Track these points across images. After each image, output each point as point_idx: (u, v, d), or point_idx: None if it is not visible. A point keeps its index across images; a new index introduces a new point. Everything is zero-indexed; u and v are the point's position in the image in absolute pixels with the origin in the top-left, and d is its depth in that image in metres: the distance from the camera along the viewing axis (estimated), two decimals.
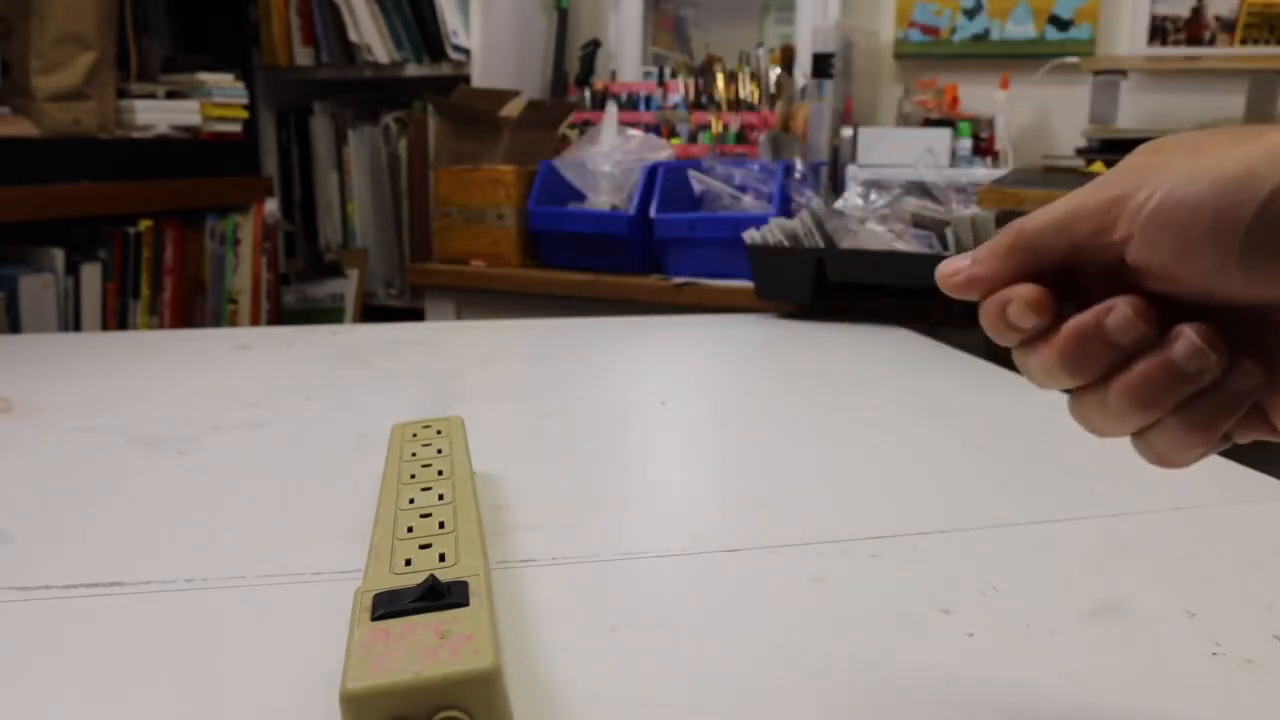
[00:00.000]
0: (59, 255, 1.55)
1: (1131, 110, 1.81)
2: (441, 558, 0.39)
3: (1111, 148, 1.68)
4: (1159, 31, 1.83)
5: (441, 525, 0.42)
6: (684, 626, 0.42)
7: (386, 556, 0.39)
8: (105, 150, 1.62)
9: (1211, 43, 1.81)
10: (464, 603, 0.34)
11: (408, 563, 0.38)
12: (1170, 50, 1.83)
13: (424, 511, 0.44)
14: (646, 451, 0.66)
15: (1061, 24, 1.88)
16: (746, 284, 1.39)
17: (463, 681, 0.30)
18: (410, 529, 0.42)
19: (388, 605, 0.34)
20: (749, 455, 0.62)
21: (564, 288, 1.62)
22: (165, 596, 0.44)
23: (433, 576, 0.35)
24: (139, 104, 1.68)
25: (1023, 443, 0.67)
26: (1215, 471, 0.60)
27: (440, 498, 0.45)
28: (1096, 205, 0.32)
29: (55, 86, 1.53)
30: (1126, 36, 1.86)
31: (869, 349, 1.00)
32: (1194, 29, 1.82)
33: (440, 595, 0.34)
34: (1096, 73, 1.75)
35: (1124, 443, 0.32)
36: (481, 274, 1.73)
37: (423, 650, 0.31)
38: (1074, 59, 1.79)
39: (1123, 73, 1.76)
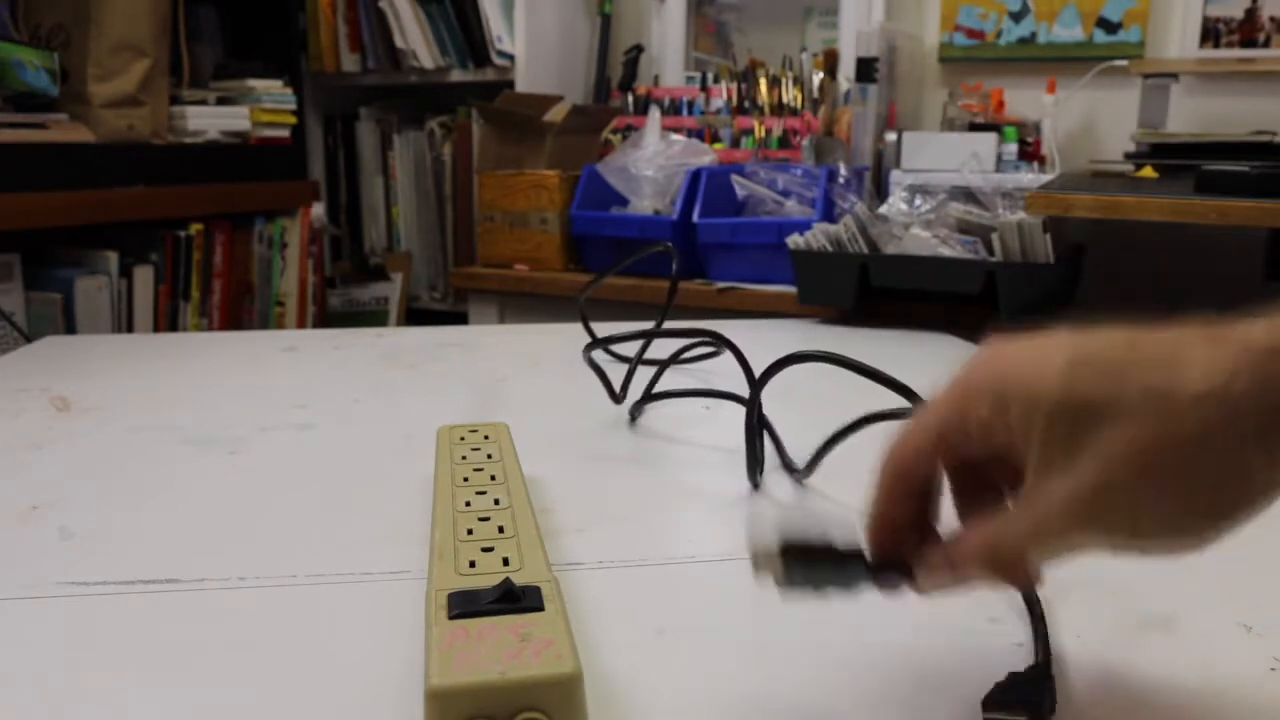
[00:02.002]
0: (113, 258, 1.58)
1: (1182, 114, 1.78)
2: (505, 562, 0.39)
3: (1161, 152, 1.65)
4: (1211, 33, 1.80)
5: (501, 530, 0.42)
6: (731, 630, 0.42)
7: (450, 558, 0.40)
8: (158, 155, 1.65)
9: (1266, 44, 1.78)
10: (539, 607, 0.35)
11: (472, 564, 0.39)
12: (1223, 52, 1.80)
13: (482, 515, 0.44)
14: (689, 455, 0.66)
15: (1110, 26, 1.85)
16: (789, 289, 1.38)
17: (546, 684, 0.31)
18: (470, 531, 0.42)
19: (464, 605, 0.35)
20: (792, 459, 0.62)
21: (606, 292, 1.63)
22: (220, 594, 0.45)
23: (508, 579, 0.36)
24: (191, 110, 1.72)
25: None
26: None
27: (496, 502, 0.46)
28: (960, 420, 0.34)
29: (111, 93, 1.57)
30: (1177, 39, 1.83)
31: (912, 355, 0.99)
32: (1248, 30, 1.78)
33: (516, 599, 0.35)
34: (1146, 76, 1.72)
35: None
36: (524, 278, 1.74)
37: (505, 651, 0.32)
38: (1123, 62, 1.77)
39: (1173, 76, 1.73)
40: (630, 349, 0.80)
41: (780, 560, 0.35)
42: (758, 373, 0.57)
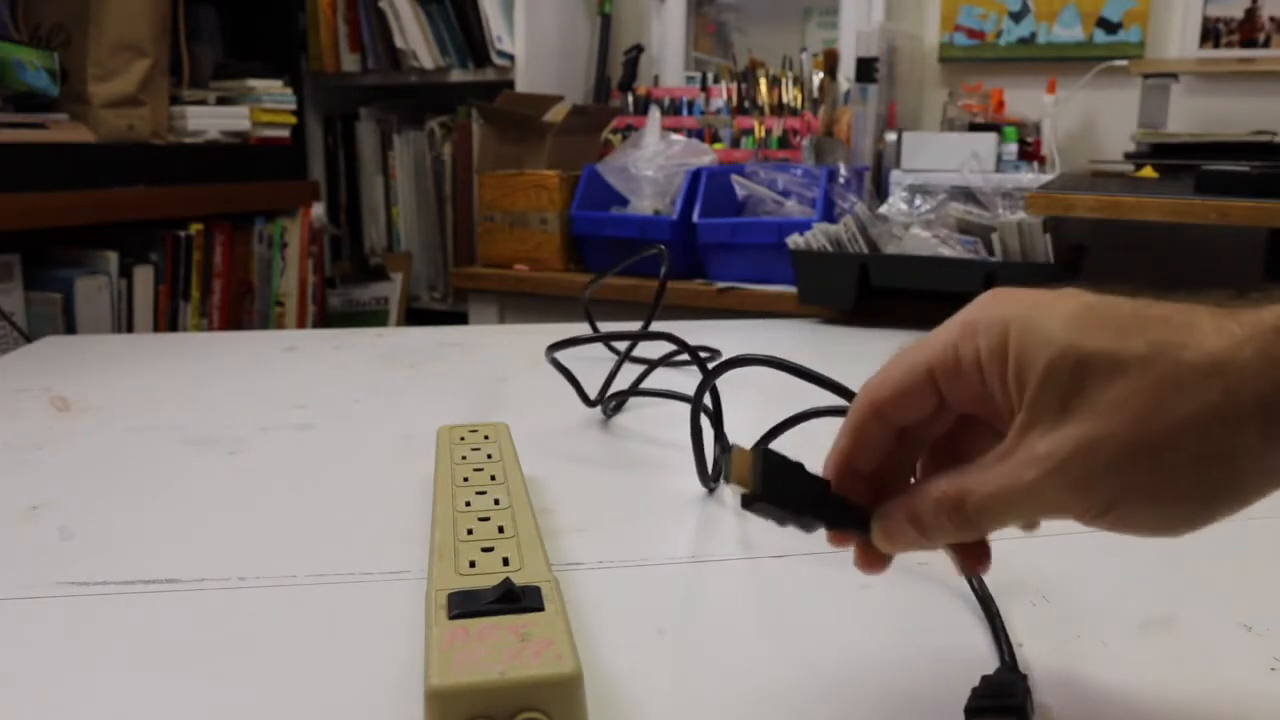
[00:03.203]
0: (113, 258, 1.58)
1: (1182, 114, 1.78)
2: (505, 562, 0.39)
3: (1161, 152, 1.65)
4: (1211, 33, 1.80)
5: (501, 530, 0.43)
6: (731, 631, 0.42)
7: (450, 558, 0.40)
8: (158, 155, 1.65)
9: (1266, 44, 1.78)
10: (539, 607, 0.35)
11: (472, 564, 0.39)
12: (1223, 52, 1.80)
13: (482, 515, 0.44)
14: (689, 456, 0.67)
15: (1110, 26, 1.85)
16: (789, 289, 1.38)
17: (546, 684, 0.31)
18: (470, 531, 0.42)
19: (464, 605, 0.35)
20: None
21: (606, 292, 1.63)
22: (220, 594, 0.45)
23: (508, 579, 0.36)
24: (190, 110, 1.72)
25: None
26: None
27: (496, 502, 0.46)
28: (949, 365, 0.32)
29: (111, 93, 1.57)
30: (1177, 39, 1.83)
31: None
32: (1248, 30, 1.78)
33: (516, 599, 0.35)
34: (1146, 76, 1.72)
35: None
36: (524, 278, 1.74)
37: (505, 651, 0.32)
38: (1123, 62, 1.77)
39: (1173, 76, 1.73)
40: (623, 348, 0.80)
41: (757, 464, 0.33)
42: (712, 368, 0.56)
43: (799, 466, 0.35)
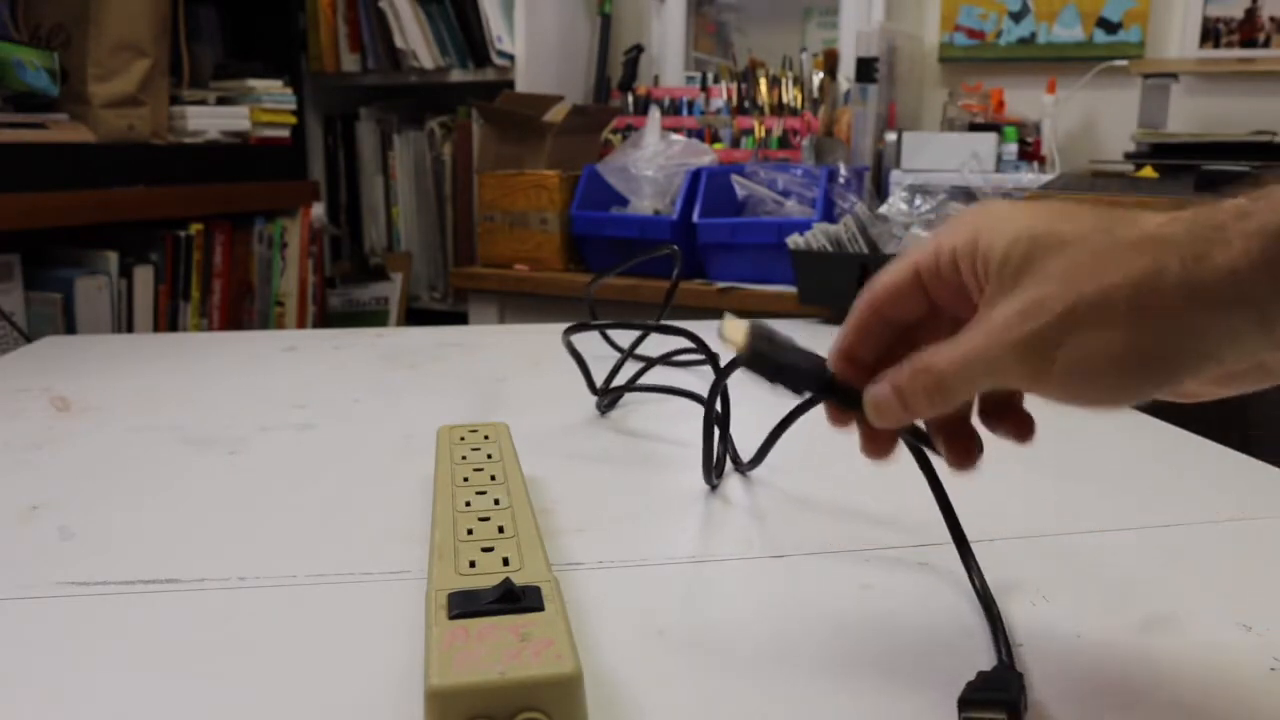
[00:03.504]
0: (113, 258, 1.58)
1: (1182, 114, 1.78)
2: (505, 562, 0.39)
3: (1161, 152, 1.65)
4: (1211, 33, 1.80)
5: (501, 530, 0.42)
6: (732, 631, 0.42)
7: (450, 557, 0.40)
8: (158, 155, 1.65)
9: (1266, 44, 1.78)
10: (539, 607, 0.35)
11: (472, 564, 0.39)
12: (1223, 52, 1.80)
13: (482, 515, 0.44)
14: (690, 455, 0.66)
15: (1110, 27, 1.85)
16: (789, 289, 1.38)
17: (546, 684, 0.31)
18: (470, 531, 0.42)
19: (464, 605, 0.35)
20: (792, 461, 0.62)
21: (607, 291, 1.63)
22: (220, 594, 0.45)
23: (508, 579, 0.36)
24: (190, 110, 1.72)
25: (1068, 452, 0.66)
26: (1270, 482, 0.59)
27: (496, 502, 0.46)
28: (937, 264, 0.35)
29: (111, 93, 1.57)
30: (1177, 39, 1.83)
31: None
32: (1248, 30, 1.79)
33: (516, 599, 0.35)
34: (1146, 76, 1.72)
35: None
36: (524, 278, 1.74)
37: (505, 651, 0.32)
38: (1123, 62, 1.77)
39: (1173, 76, 1.73)
40: (626, 345, 0.80)
41: (748, 335, 0.36)
42: (723, 368, 0.56)
43: (790, 339, 0.38)
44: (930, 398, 0.35)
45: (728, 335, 0.37)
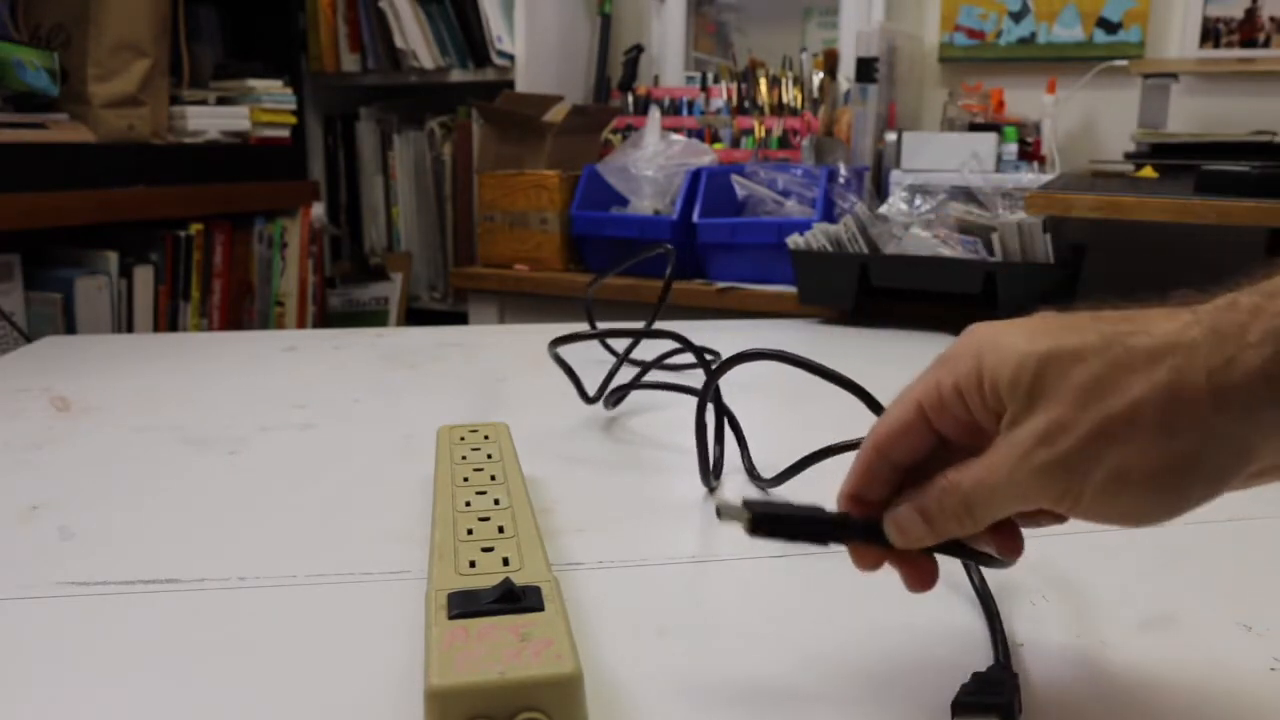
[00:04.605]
0: (113, 258, 1.58)
1: (1182, 114, 1.78)
2: (505, 562, 0.39)
3: (1161, 152, 1.65)
4: (1211, 33, 1.80)
5: (501, 530, 0.43)
6: (731, 630, 0.42)
7: (450, 557, 0.40)
8: (158, 155, 1.65)
9: (1266, 44, 1.78)
10: (539, 607, 0.35)
11: (472, 564, 0.39)
12: (1223, 52, 1.80)
13: (482, 515, 0.44)
14: (690, 456, 0.67)
15: (1110, 26, 1.85)
16: (789, 289, 1.38)
17: (546, 684, 0.31)
18: (470, 531, 0.42)
19: (464, 605, 0.35)
20: (792, 461, 0.62)
21: (606, 292, 1.63)
22: (220, 594, 0.45)
23: (508, 579, 0.36)
24: (190, 110, 1.71)
25: None
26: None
27: (496, 502, 0.46)
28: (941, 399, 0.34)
29: (111, 93, 1.57)
30: (1177, 39, 1.83)
31: (912, 355, 0.99)
32: (1248, 30, 1.78)
33: (516, 599, 0.35)
34: (1146, 76, 1.72)
35: None
36: (524, 278, 1.74)
37: (505, 651, 0.32)
38: (1123, 62, 1.77)
39: (1173, 76, 1.73)
40: (623, 348, 0.80)
41: (749, 512, 0.36)
42: (720, 362, 0.56)
43: (786, 504, 0.37)
44: (959, 519, 0.34)
45: (727, 517, 0.36)
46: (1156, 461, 0.29)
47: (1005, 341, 0.32)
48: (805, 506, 0.37)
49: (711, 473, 0.58)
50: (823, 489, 0.58)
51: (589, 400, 0.73)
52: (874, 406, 0.48)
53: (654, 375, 0.77)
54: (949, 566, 0.47)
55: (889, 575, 0.37)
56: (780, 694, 0.37)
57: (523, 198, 1.74)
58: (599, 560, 0.48)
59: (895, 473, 0.36)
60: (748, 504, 0.36)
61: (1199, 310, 0.30)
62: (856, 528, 0.36)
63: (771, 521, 0.36)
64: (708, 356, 0.70)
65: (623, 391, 0.74)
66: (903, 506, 0.35)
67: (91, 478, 0.61)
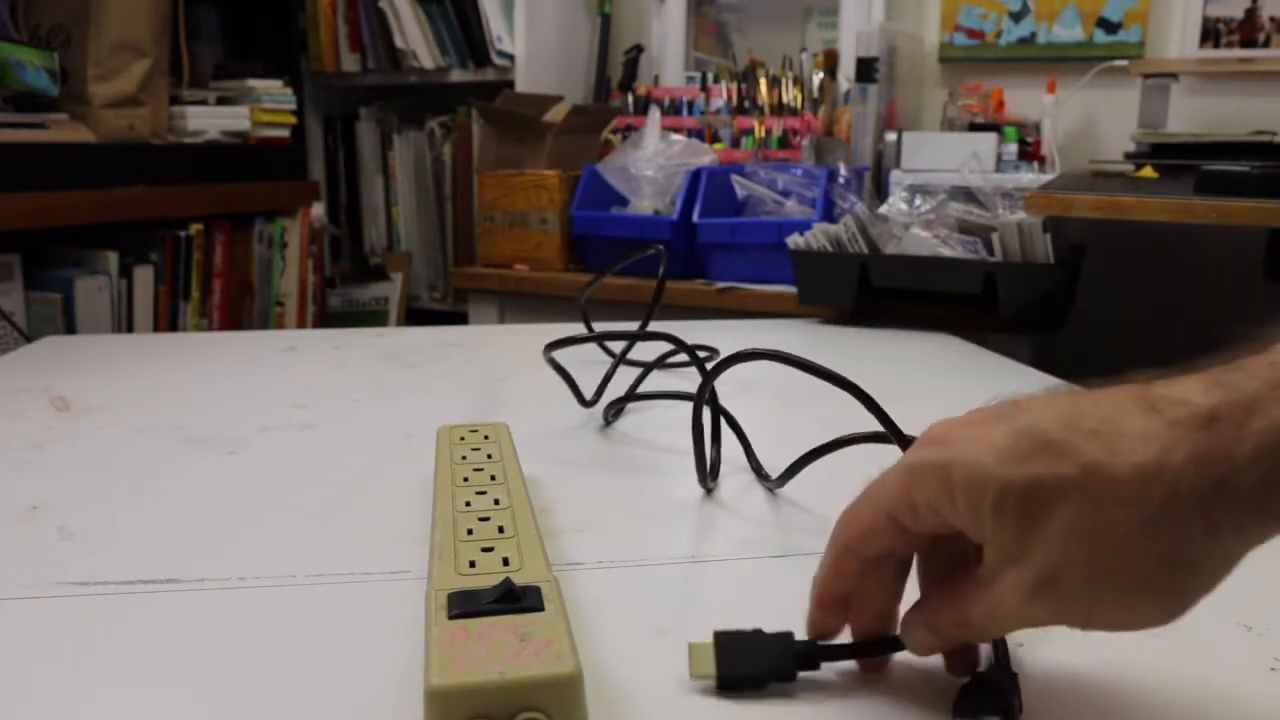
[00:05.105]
0: (113, 258, 1.58)
1: (1182, 114, 1.78)
2: (505, 562, 0.39)
3: (1161, 152, 1.65)
4: (1211, 33, 1.80)
5: (501, 530, 0.43)
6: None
7: (450, 557, 0.40)
8: (158, 155, 1.65)
9: (1266, 44, 1.78)
10: (539, 607, 0.35)
11: (472, 564, 0.39)
12: (1223, 52, 1.80)
13: (482, 515, 0.44)
14: (688, 458, 0.67)
15: (1110, 27, 1.85)
16: (789, 289, 1.38)
17: (546, 684, 0.31)
18: (470, 531, 0.42)
19: (464, 605, 0.35)
20: (789, 463, 0.62)
21: (606, 292, 1.63)
22: (220, 594, 0.45)
23: (508, 579, 0.36)
24: (190, 110, 1.72)
25: None
26: None
27: (496, 502, 0.46)
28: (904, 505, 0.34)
29: (111, 93, 1.57)
30: (1177, 39, 1.83)
31: (913, 355, 0.99)
32: (1248, 30, 1.78)
33: (516, 599, 0.35)
34: (1146, 76, 1.72)
35: None
36: (524, 278, 1.74)
37: (505, 651, 0.32)
38: (1123, 62, 1.77)
39: (1173, 76, 1.73)
40: (623, 350, 0.80)
41: (714, 651, 0.36)
42: (716, 363, 0.55)
43: (756, 632, 0.37)
44: (969, 639, 0.35)
45: (696, 673, 0.37)
46: (1155, 584, 0.30)
47: (977, 464, 0.31)
48: (773, 640, 0.37)
49: (709, 474, 0.58)
50: (823, 488, 0.58)
51: (587, 405, 0.73)
52: (872, 407, 0.48)
53: (653, 378, 0.77)
54: None
55: None
56: (780, 693, 0.37)
57: (523, 198, 1.74)
58: (599, 560, 0.48)
59: (864, 566, 0.36)
60: (718, 648, 0.37)
61: (1173, 419, 0.29)
62: (824, 654, 0.37)
63: (737, 681, 0.37)
64: (702, 354, 0.70)
65: (619, 404, 0.73)
66: (917, 629, 0.35)
67: (91, 478, 0.61)
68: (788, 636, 0.38)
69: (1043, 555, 0.30)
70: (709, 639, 0.37)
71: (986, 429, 0.32)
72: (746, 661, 0.37)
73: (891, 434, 0.47)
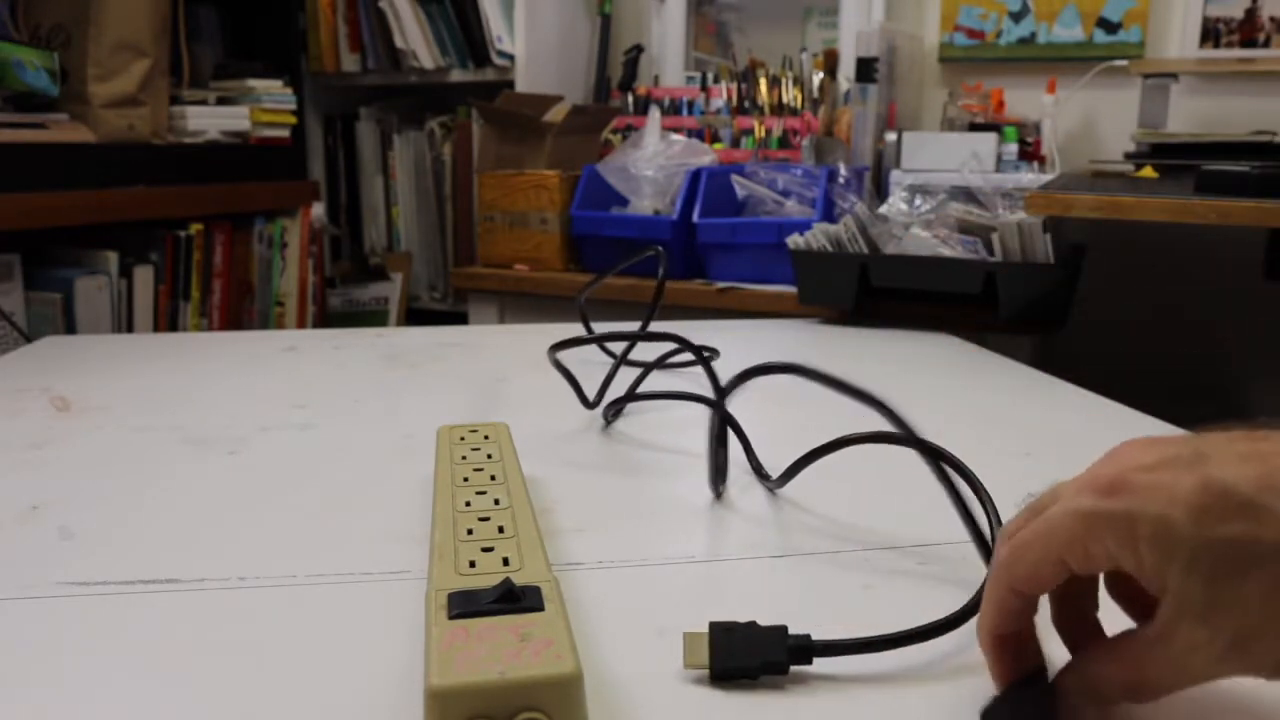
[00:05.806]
0: (113, 258, 1.58)
1: (1182, 114, 1.78)
2: (505, 561, 0.39)
3: (1161, 152, 1.65)
4: (1211, 33, 1.80)
5: (501, 530, 0.43)
6: None
7: (450, 557, 0.40)
8: (158, 155, 1.65)
9: (1266, 44, 1.78)
10: (539, 607, 0.35)
11: (472, 564, 0.39)
12: (1223, 52, 1.80)
13: (482, 515, 0.44)
14: (689, 456, 0.66)
15: (1110, 26, 1.85)
16: (789, 289, 1.38)
17: (546, 684, 0.31)
18: (470, 531, 0.42)
19: (464, 605, 0.35)
20: (793, 459, 0.62)
21: (606, 292, 1.63)
22: (220, 594, 0.45)
23: (508, 579, 0.36)
24: (190, 110, 1.72)
25: (1070, 450, 0.66)
26: None
27: (496, 502, 0.46)
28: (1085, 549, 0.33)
29: (111, 93, 1.57)
30: (1177, 39, 1.83)
31: (913, 355, 0.99)
32: (1248, 30, 1.78)
33: (516, 599, 0.35)
34: (1146, 76, 1.72)
35: None
36: (524, 278, 1.74)
37: (505, 651, 0.32)
38: (1123, 62, 1.77)
39: (1173, 76, 1.73)
40: (621, 350, 0.80)
41: (708, 642, 0.37)
42: (734, 376, 0.55)
43: (751, 624, 0.38)
44: (1133, 701, 0.34)
45: (690, 663, 0.37)
46: None
47: (1168, 523, 0.30)
48: (768, 632, 0.38)
49: (717, 479, 0.58)
50: (823, 489, 0.58)
51: (589, 405, 0.73)
52: (897, 422, 0.47)
53: (652, 378, 0.77)
54: (952, 565, 0.47)
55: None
56: (781, 693, 0.37)
57: (523, 198, 1.74)
58: (599, 560, 0.48)
59: (1029, 605, 0.35)
60: (712, 642, 0.37)
61: None
62: (811, 653, 0.38)
63: (731, 671, 0.37)
64: (705, 354, 0.70)
65: (620, 404, 0.73)
66: (1076, 695, 0.34)
67: (91, 478, 0.61)
68: (782, 630, 0.38)
69: (1238, 617, 0.29)
70: (704, 630, 0.38)
71: (1171, 477, 0.30)
72: (740, 653, 0.37)
73: (922, 449, 0.46)
